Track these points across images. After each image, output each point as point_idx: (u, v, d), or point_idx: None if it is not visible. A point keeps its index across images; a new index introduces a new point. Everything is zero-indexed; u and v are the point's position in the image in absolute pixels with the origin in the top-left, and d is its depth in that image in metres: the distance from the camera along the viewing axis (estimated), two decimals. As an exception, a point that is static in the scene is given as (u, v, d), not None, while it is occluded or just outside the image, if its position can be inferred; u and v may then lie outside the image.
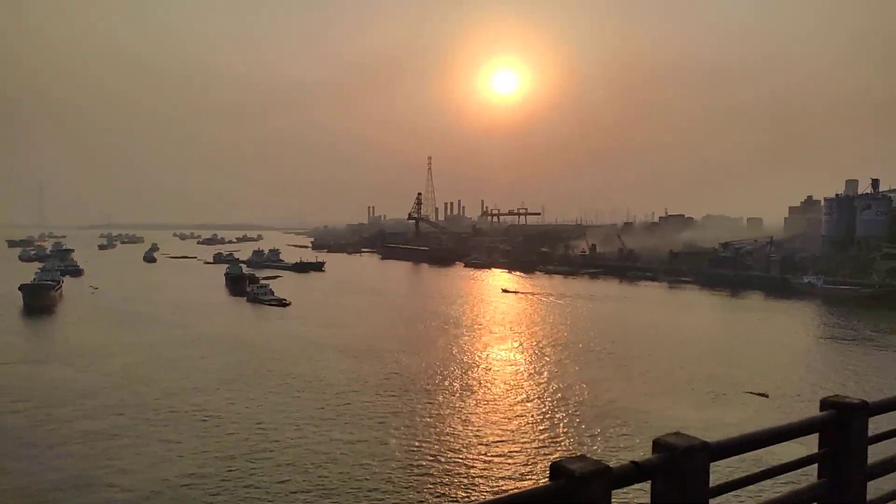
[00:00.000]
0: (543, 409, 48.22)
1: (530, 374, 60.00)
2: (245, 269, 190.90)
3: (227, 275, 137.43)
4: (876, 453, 5.07)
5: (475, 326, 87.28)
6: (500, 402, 50.00)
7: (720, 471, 4.09)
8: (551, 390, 53.88)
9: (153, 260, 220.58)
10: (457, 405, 48.91)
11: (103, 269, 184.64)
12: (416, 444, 39.85)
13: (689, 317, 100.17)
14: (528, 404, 49.60)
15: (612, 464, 3.38)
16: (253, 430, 41.94)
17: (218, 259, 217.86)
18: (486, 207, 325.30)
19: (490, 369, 61.38)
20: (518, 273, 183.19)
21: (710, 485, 3.97)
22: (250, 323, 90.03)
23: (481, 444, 40.21)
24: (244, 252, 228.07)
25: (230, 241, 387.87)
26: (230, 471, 35.49)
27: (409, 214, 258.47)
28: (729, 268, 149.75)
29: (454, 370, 60.18)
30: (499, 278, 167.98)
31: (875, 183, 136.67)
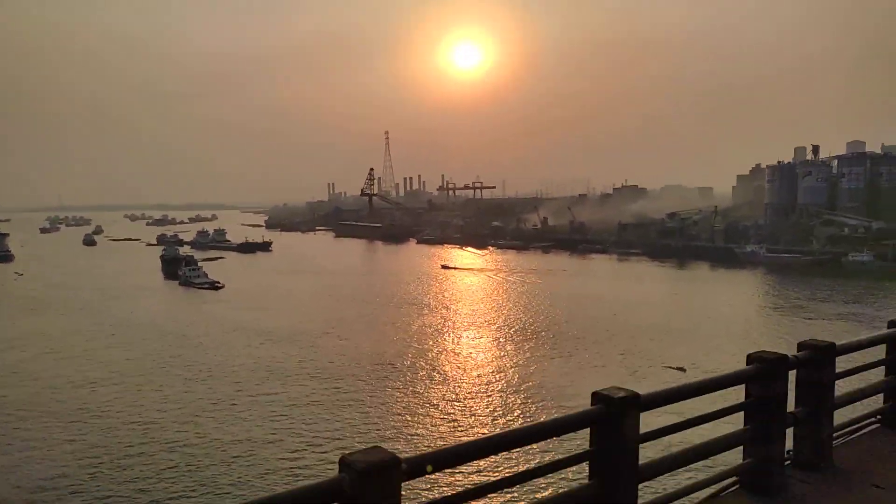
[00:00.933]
0: (455, 390, 46.20)
1: (449, 355, 57.98)
2: (189, 251, 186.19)
3: (162, 257, 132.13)
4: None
5: (405, 305, 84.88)
6: (410, 386, 47.79)
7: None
8: (469, 369, 51.94)
9: (93, 243, 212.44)
10: (361, 392, 46.53)
11: (37, 254, 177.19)
12: (303, 440, 37.37)
13: (633, 290, 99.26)
14: (441, 387, 47.52)
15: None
16: (132, 428, 38.92)
17: (161, 241, 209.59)
18: (445, 182, 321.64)
19: (405, 352, 58.98)
20: (470, 248, 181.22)
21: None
22: (174, 308, 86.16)
23: (375, 432, 37.98)
24: (192, 233, 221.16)
25: (181, 222, 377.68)
26: (93, 475, 32.56)
27: (362, 190, 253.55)
28: (676, 238, 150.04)
29: (368, 353, 57.73)
30: (447, 254, 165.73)
31: (815, 149, 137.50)
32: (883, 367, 7.48)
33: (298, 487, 3.10)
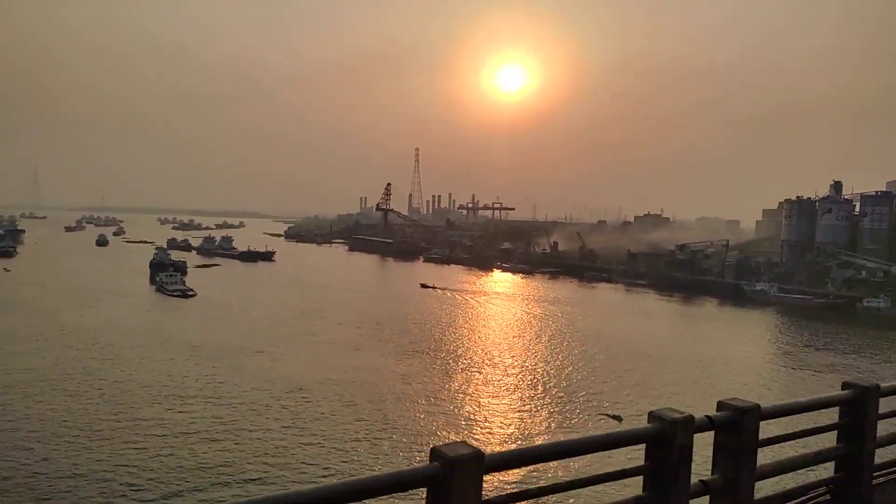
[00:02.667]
0: (353, 429, 41.36)
1: (382, 384, 53.02)
2: (196, 256, 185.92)
3: (151, 262, 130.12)
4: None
5: (367, 326, 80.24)
6: (307, 417, 43.12)
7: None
8: (381, 401, 47.03)
9: (105, 244, 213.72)
10: (247, 421, 42.04)
11: (43, 252, 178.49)
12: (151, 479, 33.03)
13: (626, 326, 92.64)
14: (352, 425, 42.72)
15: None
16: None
17: (171, 245, 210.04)
18: (476, 201, 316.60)
19: (328, 379, 54.31)
20: (475, 269, 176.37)
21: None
22: (128, 315, 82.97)
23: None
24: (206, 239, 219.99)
25: (207, 228, 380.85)
26: None
27: (377, 205, 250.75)
28: (685, 271, 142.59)
29: (285, 379, 53.22)
30: (444, 273, 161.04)
31: (837, 186, 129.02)
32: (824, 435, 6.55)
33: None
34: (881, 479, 6.52)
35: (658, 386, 55.47)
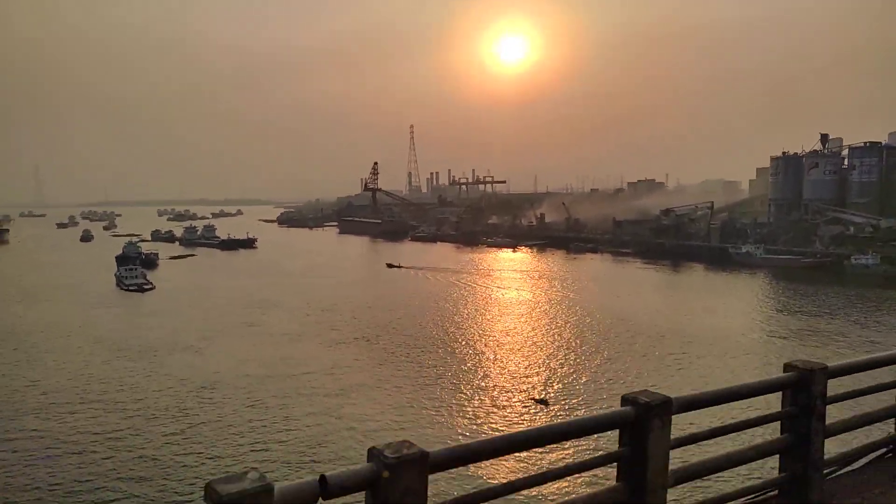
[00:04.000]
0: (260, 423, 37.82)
1: (304, 377, 49.37)
2: (177, 247, 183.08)
3: (118, 256, 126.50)
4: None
5: (320, 312, 76.52)
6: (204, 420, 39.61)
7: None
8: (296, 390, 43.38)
9: (89, 239, 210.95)
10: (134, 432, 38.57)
11: (22, 250, 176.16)
12: None
13: (600, 300, 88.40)
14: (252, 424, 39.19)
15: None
16: None
17: (155, 236, 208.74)
18: (467, 177, 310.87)
19: (246, 373, 50.72)
20: (460, 246, 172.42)
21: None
22: (70, 313, 79.60)
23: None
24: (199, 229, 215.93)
25: (203, 217, 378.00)
26: None
27: (365, 185, 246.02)
28: (671, 236, 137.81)
29: (202, 373, 49.75)
30: (429, 252, 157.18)
31: (824, 138, 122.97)
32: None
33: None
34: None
35: (622, 368, 51.50)
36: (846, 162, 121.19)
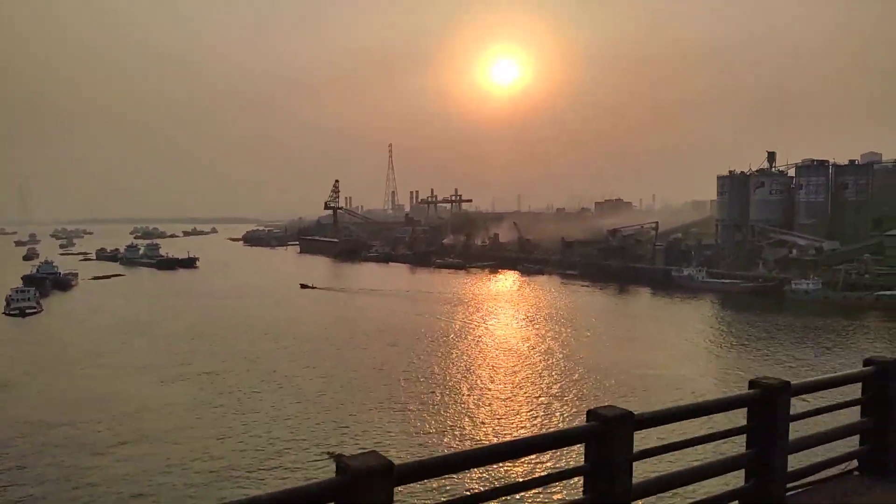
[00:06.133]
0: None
1: (113, 422, 42.22)
2: (117, 265, 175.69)
3: (23, 276, 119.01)
4: None
5: (189, 339, 69.42)
6: None
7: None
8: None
9: (31, 258, 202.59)
10: None
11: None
12: None
13: (515, 327, 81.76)
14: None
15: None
16: None
17: (100, 255, 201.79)
18: (436, 195, 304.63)
19: (44, 419, 43.50)
20: (410, 266, 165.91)
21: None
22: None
23: None
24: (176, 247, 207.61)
25: (172, 235, 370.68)
26: None
27: (326, 203, 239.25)
28: (618, 258, 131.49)
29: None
30: (369, 272, 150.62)
31: (770, 156, 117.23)
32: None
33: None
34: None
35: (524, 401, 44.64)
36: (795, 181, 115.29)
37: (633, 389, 48.91)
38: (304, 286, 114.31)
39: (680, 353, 64.97)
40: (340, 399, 46.44)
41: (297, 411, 43.76)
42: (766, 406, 5.05)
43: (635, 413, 4.39)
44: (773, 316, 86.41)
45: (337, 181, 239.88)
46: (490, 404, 45.98)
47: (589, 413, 4.34)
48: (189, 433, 39.19)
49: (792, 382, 5.26)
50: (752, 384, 5.23)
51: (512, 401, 46.75)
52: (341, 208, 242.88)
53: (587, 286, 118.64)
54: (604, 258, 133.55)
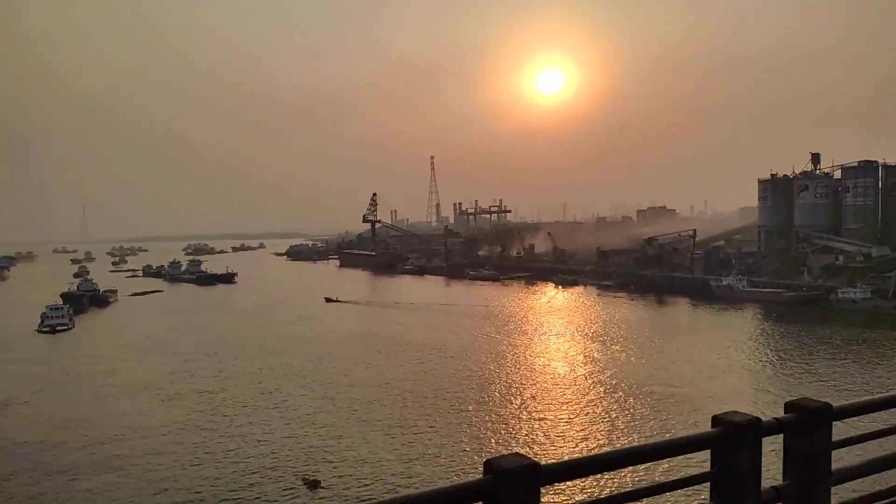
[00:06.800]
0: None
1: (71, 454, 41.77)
2: (161, 281, 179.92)
3: (62, 294, 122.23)
4: None
5: (200, 358, 69.09)
6: None
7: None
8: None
9: (81, 275, 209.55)
10: None
11: (6, 286, 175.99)
12: None
13: (533, 343, 78.88)
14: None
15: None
16: None
17: (146, 272, 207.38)
18: (480, 206, 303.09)
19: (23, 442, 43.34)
20: (444, 279, 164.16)
21: None
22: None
23: None
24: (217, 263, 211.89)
25: (221, 251, 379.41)
26: None
27: (364, 217, 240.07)
28: (655, 267, 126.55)
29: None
30: (405, 285, 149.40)
31: (815, 157, 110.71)
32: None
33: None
34: None
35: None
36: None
37: (647, 410, 45.66)
38: (328, 300, 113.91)
39: (709, 367, 60.95)
40: (328, 421, 44.72)
41: (284, 433, 42.25)
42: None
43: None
44: (817, 327, 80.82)
45: (375, 194, 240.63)
46: (486, 425, 43.51)
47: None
48: (163, 458, 38.08)
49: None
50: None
51: (518, 418, 44.17)
52: (379, 221, 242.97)
53: (622, 297, 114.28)
54: (640, 268, 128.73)
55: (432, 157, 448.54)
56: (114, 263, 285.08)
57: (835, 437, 4.71)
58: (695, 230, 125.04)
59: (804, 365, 62.32)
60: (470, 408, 47.05)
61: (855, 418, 5.01)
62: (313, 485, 33.98)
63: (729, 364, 62.97)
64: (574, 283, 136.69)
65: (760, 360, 65.71)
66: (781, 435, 4.66)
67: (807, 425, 4.59)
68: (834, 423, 4.67)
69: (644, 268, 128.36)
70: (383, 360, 64.66)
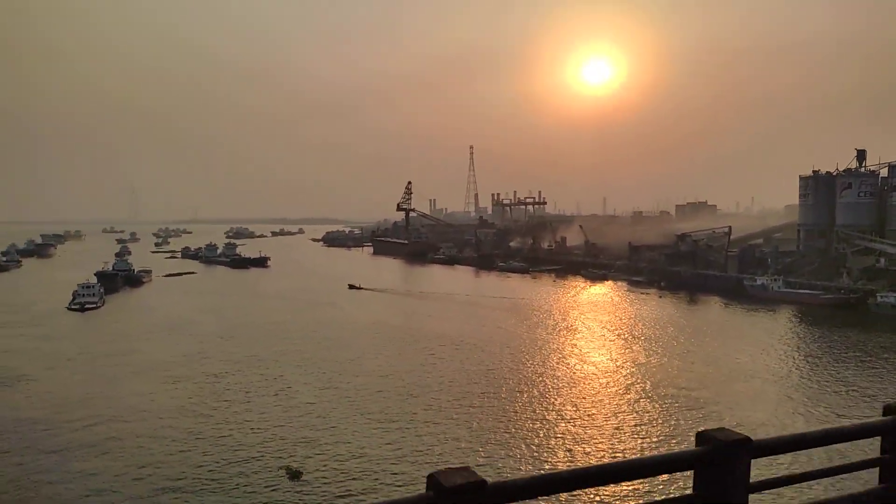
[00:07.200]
0: None
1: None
2: (198, 263, 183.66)
3: (96, 272, 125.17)
4: None
5: (213, 339, 69.70)
6: None
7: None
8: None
9: (123, 255, 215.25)
10: None
11: (52, 263, 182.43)
12: None
13: (547, 340, 77.31)
14: None
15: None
16: None
17: (185, 254, 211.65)
18: (504, 197, 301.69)
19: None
20: (473, 269, 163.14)
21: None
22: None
23: None
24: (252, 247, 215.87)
25: (261, 236, 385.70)
26: None
27: (398, 205, 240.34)
28: (688, 264, 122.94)
29: None
30: (431, 274, 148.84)
31: (860, 154, 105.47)
32: None
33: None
34: None
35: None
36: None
37: (652, 416, 43.94)
38: (351, 287, 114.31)
39: (731, 371, 58.52)
40: (325, 412, 44.32)
41: (278, 422, 42.01)
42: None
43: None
44: (852, 332, 77.04)
45: (409, 183, 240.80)
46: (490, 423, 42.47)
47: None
48: (154, 443, 38.20)
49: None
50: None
51: (513, 419, 43.02)
52: (413, 210, 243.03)
53: (651, 294, 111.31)
54: (672, 264, 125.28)
55: (471, 147, 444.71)
56: (156, 244, 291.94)
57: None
58: (730, 227, 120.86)
59: (833, 372, 59.29)
60: (471, 404, 46.04)
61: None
62: (295, 475, 33.54)
63: (754, 368, 60.29)
64: (603, 278, 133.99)
65: (787, 365, 62.75)
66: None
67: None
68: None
69: (676, 264, 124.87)
70: (392, 350, 64.16)
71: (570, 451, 37.51)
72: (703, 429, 3.97)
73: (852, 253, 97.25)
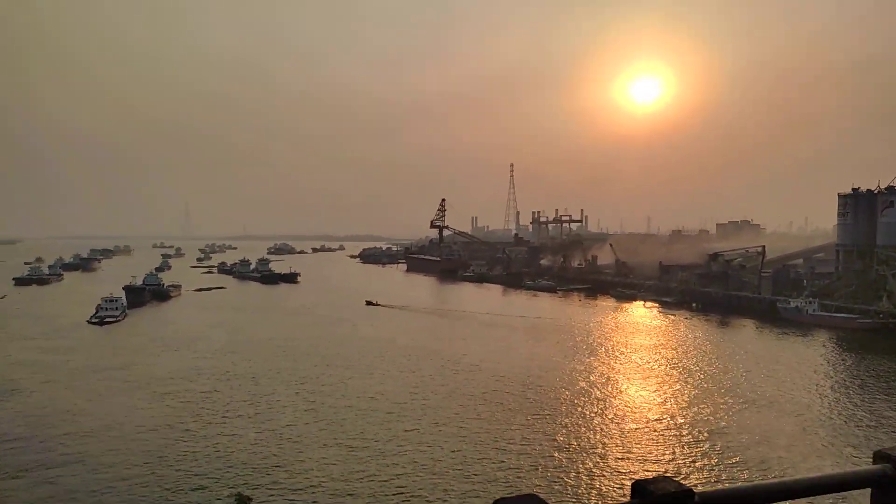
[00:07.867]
0: None
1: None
2: (231, 278, 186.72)
3: (124, 286, 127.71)
4: None
5: (220, 355, 69.45)
6: None
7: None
8: None
9: (163, 269, 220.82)
10: None
11: (94, 277, 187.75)
12: None
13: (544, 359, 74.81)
14: None
15: None
16: None
17: (220, 269, 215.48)
18: (543, 215, 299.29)
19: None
20: (502, 287, 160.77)
21: None
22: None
23: None
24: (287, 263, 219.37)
25: (301, 252, 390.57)
26: None
27: (432, 222, 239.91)
28: (720, 285, 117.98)
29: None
30: (457, 292, 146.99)
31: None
32: None
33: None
34: None
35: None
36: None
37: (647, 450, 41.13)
38: (369, 303, 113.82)
39: (753, 398, 54.89)
40: (298, 436, 42.96)
41: (248, 442, 40.87)
42: None
43: None
44: (888, 360, 71.96)
45: (443, 200, 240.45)
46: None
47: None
48: (118, 458, 37.53)
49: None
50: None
51: (498, 447, 40.84)
52: (447, 227, 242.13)
53: (681, 315, 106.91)
54: (703, 285, 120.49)
55: (511, 165, 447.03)
56: (198, 259, 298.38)
57: None
58: (763, 247, 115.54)
59: (862, 403, 54.99)
60: (462, 433, 44.04)
61: None
62: (244, 502, 32.22)
63: (778, 394, 56.57)
64: (633, 298, 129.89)
65: (812, 394, 58.58)
66: None
67: None
68: None
69: (708, 285, 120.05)
70: (388, 371, 62.52)
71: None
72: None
73: (893, 275, 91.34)
